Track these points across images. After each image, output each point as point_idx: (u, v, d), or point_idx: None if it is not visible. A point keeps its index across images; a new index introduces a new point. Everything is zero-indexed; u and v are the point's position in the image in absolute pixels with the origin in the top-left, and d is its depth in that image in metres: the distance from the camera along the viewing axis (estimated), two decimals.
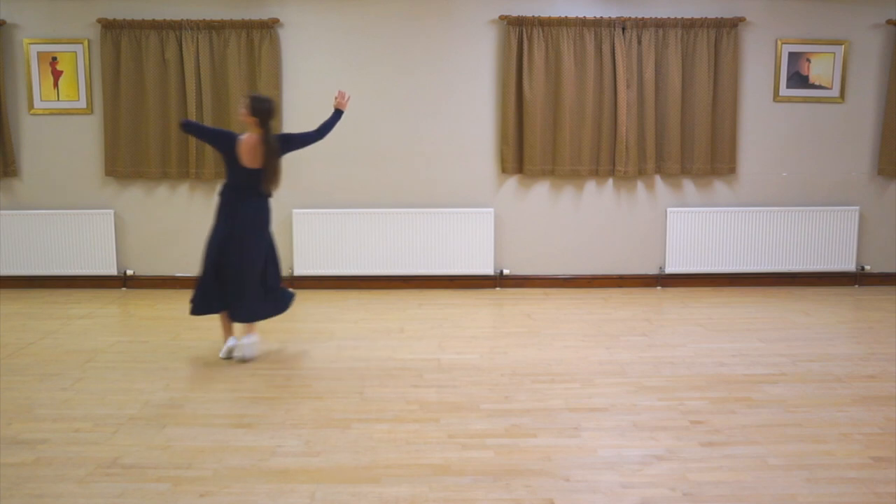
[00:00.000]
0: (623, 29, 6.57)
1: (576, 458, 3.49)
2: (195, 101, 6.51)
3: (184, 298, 6.53)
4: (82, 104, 6.64)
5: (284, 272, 6.84)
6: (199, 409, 4.07)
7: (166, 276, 6.86)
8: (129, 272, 6.83)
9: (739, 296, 6.63)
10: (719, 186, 6.90)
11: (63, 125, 6.69)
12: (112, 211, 6.73)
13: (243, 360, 4.84)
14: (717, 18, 6.59)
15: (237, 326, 4.95)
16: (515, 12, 6.55)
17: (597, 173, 6.76)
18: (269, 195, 4.89)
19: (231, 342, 4.91)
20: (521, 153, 6.73)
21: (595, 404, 4.13)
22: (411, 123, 6.74)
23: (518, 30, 6.53)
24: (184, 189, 6.78)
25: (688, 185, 6.89)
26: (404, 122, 6.74)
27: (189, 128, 4.90)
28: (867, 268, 6.98)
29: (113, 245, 6.74)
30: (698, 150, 6.72)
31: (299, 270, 6.77)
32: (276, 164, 4.80)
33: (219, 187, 4.89)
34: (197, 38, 6.49)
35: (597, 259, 6.93)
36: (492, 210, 6.77)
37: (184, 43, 6.48)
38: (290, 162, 6.73)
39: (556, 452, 3.53)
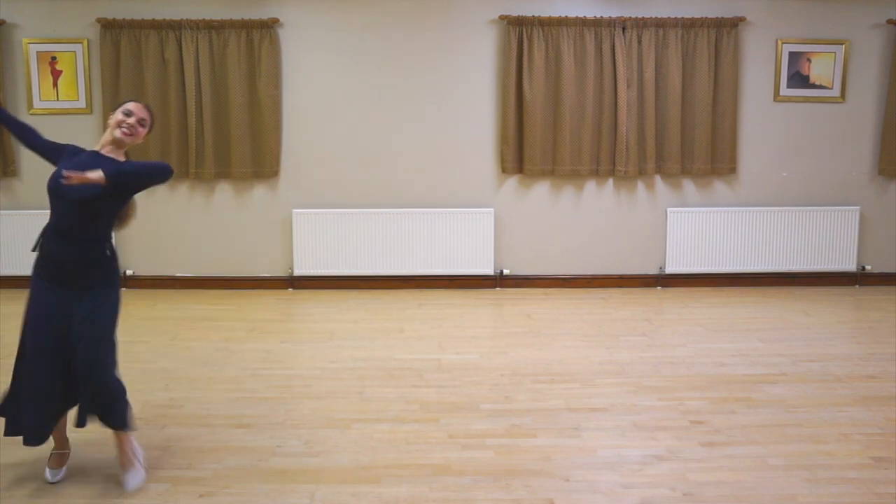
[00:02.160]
0: (623, 29, 6.56)
1: (576, 458, 3.48)
2: (195, 101, 6.51)
3: (184, 298, 6.57)
4: (82, 104, 6.63)
5: (285, 272, 6.88)
6: (199, 409, 4.07)
7: (166, 276, 6.86)
8: (129, 272, 6.83)
9: (739, 296, 6.62)
10: (719, 186, 6.89)
11: (62, 125, 6.67)
12: None
13: None
14: (717, 18, 6.58)
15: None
16: (515, 12, 6.55)
17: (597, 173, 6.76)
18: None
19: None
20: (521, 153, 6.72)
21: (595, 404, 4.13)
22: (411, 123, 6.74)
23: (518, 30, 6.53)
24: (183, 189, 6.77)
25: (688, 185, 6.88)
26: (404, 122, 6.74)
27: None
28: (868, 268, 6.97)
29: None
30: (698, 150, 6.72)
31: (299, 270, 6.77)
32: None
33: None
34: (197, 37, 6.48)
35: (597, 259, 6.92)
36: (492, 210, 6.76)
37: (183, 43, 6.47)
38: (291, 161, 6.77)
39: (556, 452, 3.53)
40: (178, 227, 6.83)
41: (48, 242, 3.21)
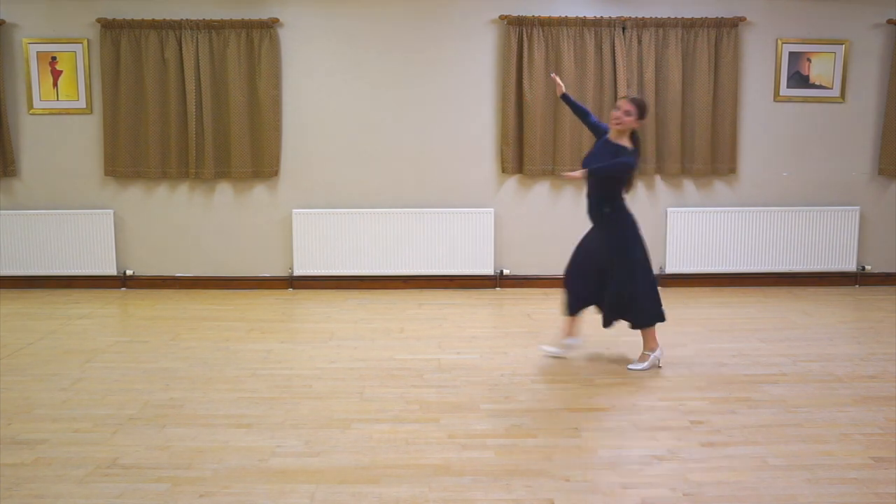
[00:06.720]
0: (623, 29, 6.56)
1: (576, 458, 3.48)
2: (195, 101, 6.51)
3: (184, 298, 6.57)
4: (82, 104, 6.63)
5: (285, 272, 6.89)
6: (199, 409, 4.07)
7: (166, 276, 6.86)
8: (129, 272, 6.83)
9: (739, 296, 6.62)
10: (719, 186, 6.89)
11: (62, 125, 6.68)
12: (112, 211, 6.73)
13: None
14: (717, 18, 6.59)
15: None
16: (515, 12, 6.55)
17: None
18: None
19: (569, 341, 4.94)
20: (521, 153, 6.72)
21: (595, 404, 4.13)
22: (411, 123, 6.74)
23: (518, 30, 6.53)
24: (183, 189, 6.77)
25: (688, 185, 6.88)
26: (404, 122, 6.74)
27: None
28: (868, 268, 6.97)
29: (112, 245, 6.74)
30: (698, 149, 6.72)
31: (299, 270, 6.77)
32: None
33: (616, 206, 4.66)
34: (197, 37, 6.48)
35: None
36: (492, 210, 6.76)
37: (183, 43, 6.47)
38: (291, 161, 6.77)
39: (556, 452, 3.52)
40: (178, 227, 6.83)
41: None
